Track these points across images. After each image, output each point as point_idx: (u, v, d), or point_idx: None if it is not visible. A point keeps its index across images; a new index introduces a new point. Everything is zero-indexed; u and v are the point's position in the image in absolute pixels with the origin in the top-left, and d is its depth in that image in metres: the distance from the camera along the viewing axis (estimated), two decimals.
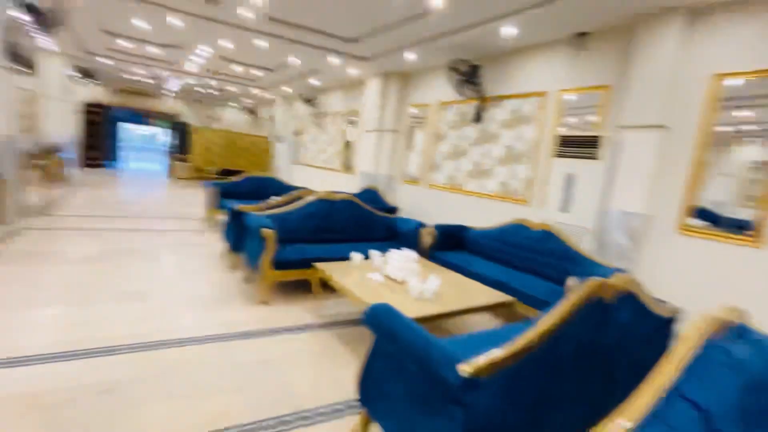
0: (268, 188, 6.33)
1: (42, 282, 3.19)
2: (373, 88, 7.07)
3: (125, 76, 10.56)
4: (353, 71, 7.05)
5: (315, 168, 9.99)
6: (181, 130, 13.78)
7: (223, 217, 5.67)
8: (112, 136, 14.30)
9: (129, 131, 22.38)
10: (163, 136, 30.95)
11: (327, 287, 3.16)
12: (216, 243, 5.00)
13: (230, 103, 14.73)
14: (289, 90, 10.05)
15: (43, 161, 6.17)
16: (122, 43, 7.09)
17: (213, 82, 10.41)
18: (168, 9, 4.97)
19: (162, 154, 26.87)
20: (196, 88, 11.91)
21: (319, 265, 2.99)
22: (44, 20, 4.83)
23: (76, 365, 2.11)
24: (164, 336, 2.53)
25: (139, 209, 6.79)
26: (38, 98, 8.35)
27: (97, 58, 8.48)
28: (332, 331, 2.85)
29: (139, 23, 5.61)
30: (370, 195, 6.15)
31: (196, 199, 8.57)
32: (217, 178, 11.46)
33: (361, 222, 4.22)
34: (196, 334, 2.60)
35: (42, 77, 8.31)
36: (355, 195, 4.48)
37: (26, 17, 4.86)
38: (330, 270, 2.88)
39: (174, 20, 5.23)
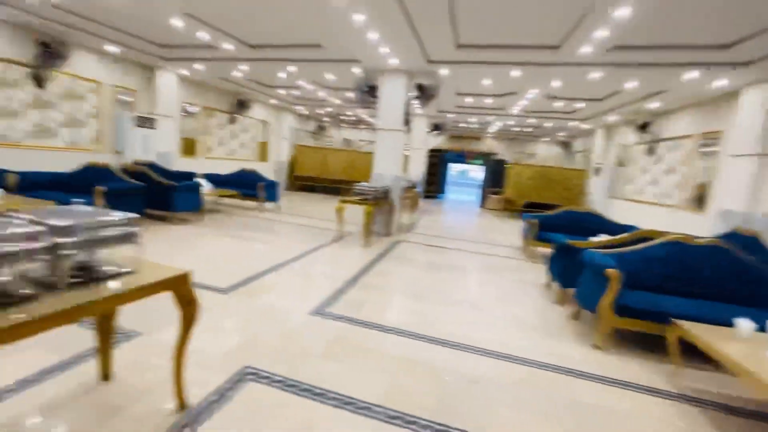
0: (586, 223, 5.96)
1: (405, 279, 4.37)
2: (752, 100, 5.30)
3: (460, 124, 13.04)
4: (720, 83, 5.56)
5: (640, 203, 8.51)
6: (493, 166, 15.44)
7: (543, 248, 5.83)
8: (443, 173, 17.99)
9: (451, 169, 27.46)
10: (474, 171, 35.62)
11: (688, 350, 2.57)
12: (534, 272, 5.19)
13: (543, 139, 15.10)
14: (614, 118, 9.16)
15: (409, 194, 8.58)
16: (467, 99, 8.83)
17: (531, 120, 11.05)
18: (512, 64, 5.76)
19: (473, 187, 30.85)
20: (513, 128, 13.05)
21: (682, 323, 2.49)
22: (427, 94, 6.80)
23: (444, 352, 2.72)
24: (500, 348, 2.84)
25: (461, 233, 8.10)
26: (408, 149, 11.74)
27: (447, 115, 10.98)
28: (702, 410, 2.28)
29: (486, 81, 6.81)
30: (744, 242, 4.55)
31: (508, 228, 9.28)
32: (525, 211, 11.99)
33: (737, 277, 3.18)
34: (528, 356, 2.76)
35: (412, 133, 11.62)
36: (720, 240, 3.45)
37: (416, 94, 6.98)
38: (701, 333, 2.33)
39: (515, 72, 5.99)
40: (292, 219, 7.80)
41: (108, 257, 1.71)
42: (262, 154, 12.83)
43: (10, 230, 1.27)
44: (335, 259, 5.02)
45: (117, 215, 1.59)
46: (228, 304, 3.18)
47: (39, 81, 6.14)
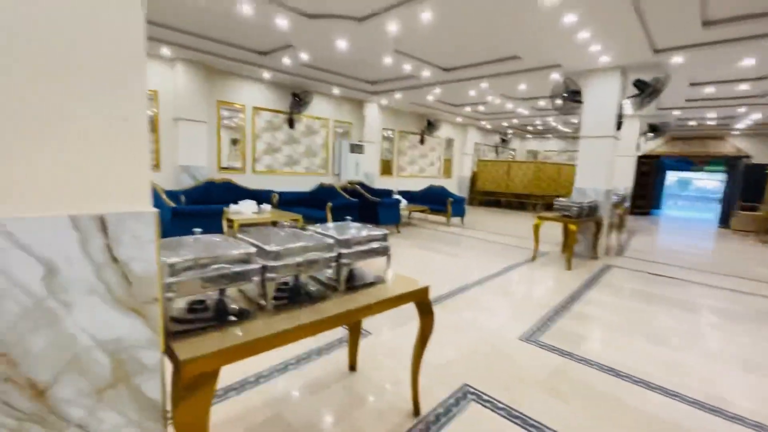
0: None
1: (630, 315, 3.55)
2: None
3: (689, 122, 10.33)
4: None
5: None
6: (744, 173, 11.49)
7: None
8: (658, 184, 14.59)
9: (668, 178, 22.03)
10: (705, 180, 27.73)
11: None
12: None
13: None
14: None
15: (618, 210, 7.25)
16: (706, 90, 6.91)
17: None
18: None
19: (703, 200, 24.10)
20: None
21: None
22: (649, 91, 5.63)
23: (723, 424, 2.05)
24: None
25: (696, 261, 6.23)
26: (616, 156, 10.02)
27: (672, 112, 8.89)
28: None
29: (747, 61, 5.15)
30: None
31: None
32: None
33: None
34: None
35: (620, 137, 9.89)
36: None
37: (634, 92, 5.86)
38: None
39: None
40: (479, 234, 7.72)
41: (366, 267, 2.00)
42: (447, 170, 13.34)
43: (307, 242, 1.60)
44: (535, 281, 4.64)
45: (377, 231, 1.84)
46: (436, 317, 3.30)
47: (291, 123, 8.12)
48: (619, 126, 6.00)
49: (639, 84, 5.61)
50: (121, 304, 0.99)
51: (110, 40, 0.94)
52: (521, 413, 2.02)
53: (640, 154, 12.66)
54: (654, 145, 13.29)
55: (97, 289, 0.95)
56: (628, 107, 7.00)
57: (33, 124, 0.87)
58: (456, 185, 13.72)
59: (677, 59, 5.20)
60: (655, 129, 10.39)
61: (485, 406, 2.07)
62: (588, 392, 2.27)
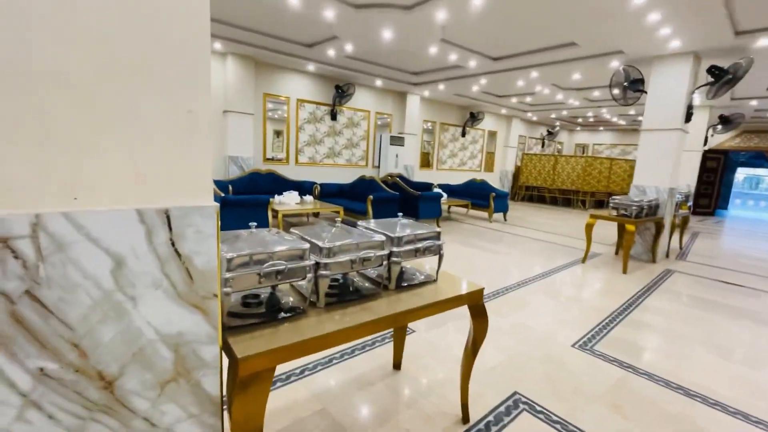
0: None
1: (698, 326, 3.22)
2: None
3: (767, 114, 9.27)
4: None
5: None
6: None
7: None
8: (725, 182, 13.29)
9: (737, 176, 19.97)
10: None
11: None
12: None
13: None
14: None
15: (682, 210, 6.65)
16: None
17: None
18: None
19: None
20: None
21: None
22: (726, 79, 5.05)
23: None
24: None
25: None
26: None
27: (749, 102, 8.01)
28: None
29: None
30: None
31: None
32: None
33: None
34: None
35: (688, 130, 9.05)
36: None
37: (708, 81, 5.30)
38: None
39: None
40: (524, 231, 7.40)
41: (416, 266, 1.93)
42: (488, 164, 12.93)
43: (359, 239, 1.53)
44: (587, 284, 4.36)
45: (430, 229, 1.76)
46: None
47: (333, 115, 8.16)
48: (688, 118, 5.47)
49: (714, 71, 5.05)
50: (183, 298, 0.98)
51: (180, 36, 0.92)
52: (579, 429, 1.88)
53: (706, 148, 11.58)
54: (722, 139, 12.09)
55: (161, 283, 0.95)
56: (697, 97, 6.37)
57: (103, 118, 0.87)
58: (498, 179, 13.28)
59: (762, 42, 4.63)
60: (726, 121, 9.41)
61: (538, 418, 1.94)
62: (655, 411, 2.07)
